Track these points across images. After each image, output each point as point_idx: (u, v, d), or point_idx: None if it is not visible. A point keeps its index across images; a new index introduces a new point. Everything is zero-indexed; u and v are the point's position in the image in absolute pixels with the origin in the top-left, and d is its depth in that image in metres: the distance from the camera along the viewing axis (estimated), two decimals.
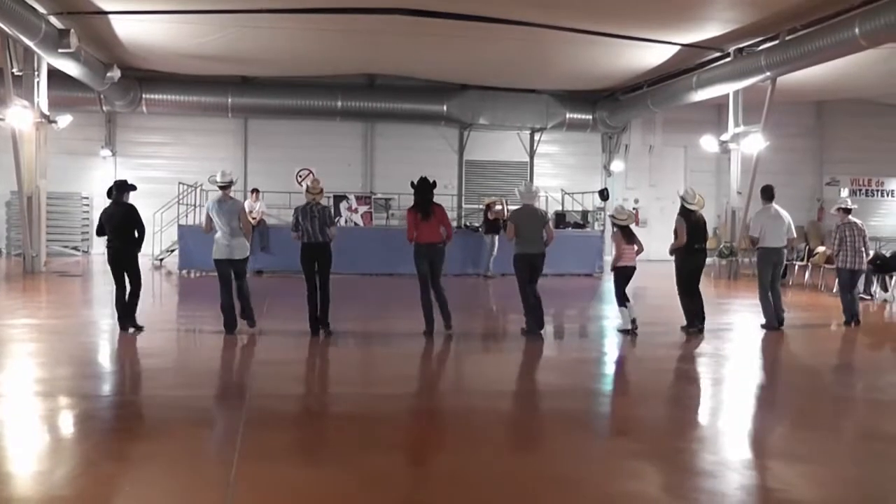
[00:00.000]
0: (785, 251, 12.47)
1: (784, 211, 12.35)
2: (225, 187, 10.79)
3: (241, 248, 10.72)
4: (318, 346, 10.32)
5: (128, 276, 10.61)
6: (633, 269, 11.59)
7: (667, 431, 6.81)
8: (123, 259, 10.59)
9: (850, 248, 12.71)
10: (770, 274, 12.17)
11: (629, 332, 11.29)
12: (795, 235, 12.92)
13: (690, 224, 11.41)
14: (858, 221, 12.99)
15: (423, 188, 10.91)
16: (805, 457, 6.08)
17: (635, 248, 11.53)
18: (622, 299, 11.50)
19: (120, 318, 10.62)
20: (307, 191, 11.21)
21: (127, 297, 10.61)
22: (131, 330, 10.55)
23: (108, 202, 10.77)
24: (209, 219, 10.78)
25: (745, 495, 5.24)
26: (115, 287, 10.68)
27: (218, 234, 10.69)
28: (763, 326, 12.15)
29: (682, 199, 11.56)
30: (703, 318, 11.55)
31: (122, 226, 10.52)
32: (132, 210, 10.62)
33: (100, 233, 10.84)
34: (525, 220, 11.16)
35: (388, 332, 11.67)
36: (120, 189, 10.66)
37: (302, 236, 10.73)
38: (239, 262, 10.76)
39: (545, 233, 11.02)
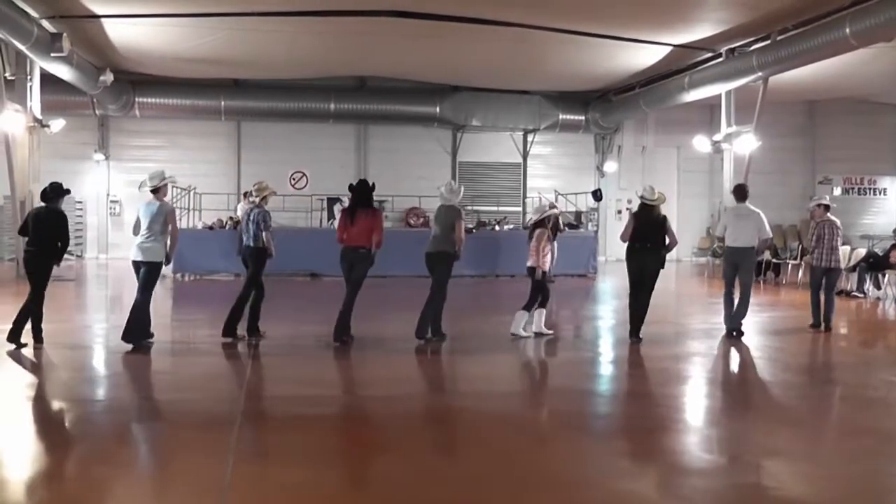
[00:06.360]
0: (750, 251, 11.56)
1: (757, 210, 11.62)
2: (155, 191, 9.95)
3: (151, 252, 9.76)
4: (300, 350, 10.33)
5: (33, 284, 9.80)
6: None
7: (656, 431, 6.82)
8: (39, 265, 9.81)
9: (827, 246, 12.17)
10: (730, 274, 11.58)
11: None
12: (770, 235, 12.16)
13: (639, 222, 10.82)
14: (836, 220, 12.44)
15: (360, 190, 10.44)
16: (798, 455, 6.13)
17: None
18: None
19: (15, 328, 9.66)
20: (248, 193, 10.99)
21: (21, 307, 9.82)
22: (13, 346, 9.52)
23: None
24: (138, 221, 9.96)
25: (738, 493, 5.27)
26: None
27: (138, 235, 9.90)
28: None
29: (641, 196, 11.02)
30: (638, 332, 10.80)
31: (49, 232, 9.79)
32: (63, 218, 10.01)
33: (23, 232, 10.11)
34: (438, 219, 10.69)
35: (379, 336, 11.60)
36: (58, 193, 10.04)
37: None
38: (146, 264, 9.80)
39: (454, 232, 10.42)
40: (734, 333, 11.31)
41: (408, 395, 8.07)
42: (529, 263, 10.98)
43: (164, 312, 10.47)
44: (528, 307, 10.97)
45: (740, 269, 11.48)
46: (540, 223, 11.08)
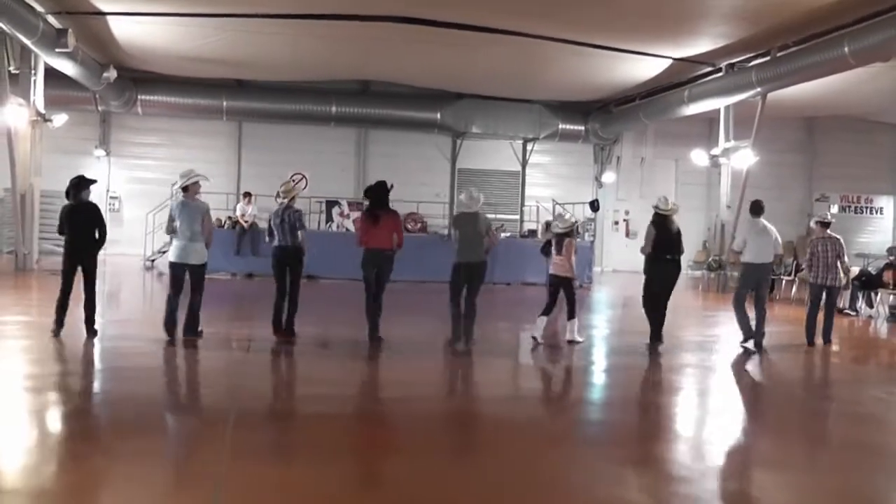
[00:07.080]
0: (769, 267, 11.82)
1: (771, 226, 11.75)
2: (185, 189, 10.28)
3: (197, 253, 10.16)
4: (304, 352, 10.40)
5: (85, 277, 10.19)
6: None
7: (649, 439, 6.91)
8: (85, 259, 10.23)
9: (822, 263, 12.11)
10: (747, 289, 11.75)
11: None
12: (782, 252, 12.42)
13: (659, 232, 11.12)
14: (836, 237, 12.33)
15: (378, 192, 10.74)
16: (787, 465, 6.22)
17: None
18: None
19: (57, 320, 10.08)
20: (277, 194, 11.35)
21: (84, 301, 10.16)
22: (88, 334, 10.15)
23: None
24: (171, 220, 10.29)
25: (725, 502, 5.35)
26: (61, 289, 10.16)
27: (176, 237, 10.25)
28: (742, 343, 11.66)
29: (655, 206, 11.30)
30: (661, 336, 11.19)
31: (86, 225, 10.21)
32: (97, 210, 10.43)
33: (61, 231, 10.41)
34: (462, 227, 10.85)
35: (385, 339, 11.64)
36: (79, 187, 10.34)
37: (273, 240, 10.79)
38: (195, 267, 10.19)
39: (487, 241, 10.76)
40: (760, 347, 11.44)
41: (410, 397, 8.14)
42: (556, 272, 11.27)
43: (163, 309, 10.50)
44: (571, 314, 11.28)
45: (761, 284, 11.68)
46: (567, 233, 11.34)
